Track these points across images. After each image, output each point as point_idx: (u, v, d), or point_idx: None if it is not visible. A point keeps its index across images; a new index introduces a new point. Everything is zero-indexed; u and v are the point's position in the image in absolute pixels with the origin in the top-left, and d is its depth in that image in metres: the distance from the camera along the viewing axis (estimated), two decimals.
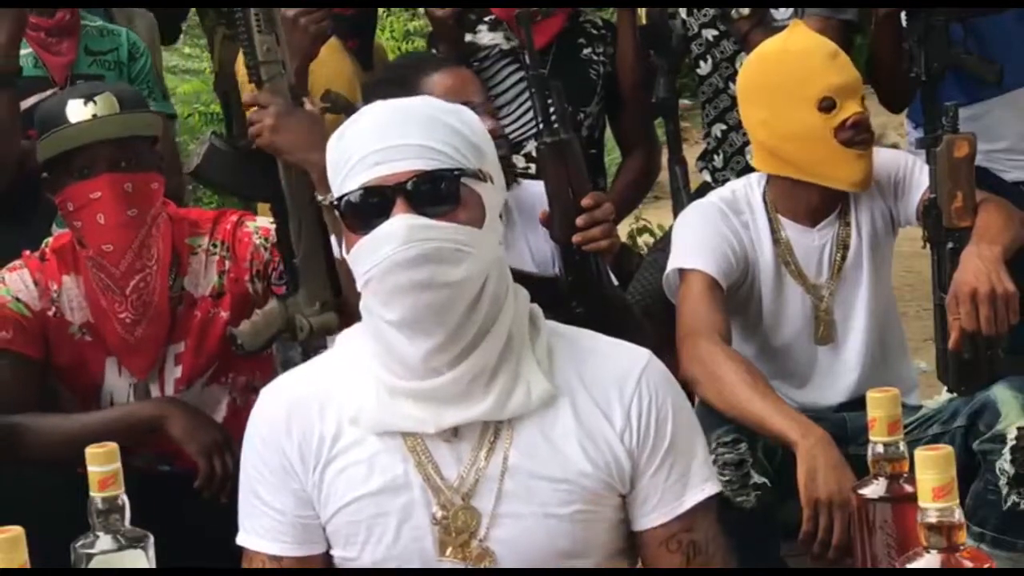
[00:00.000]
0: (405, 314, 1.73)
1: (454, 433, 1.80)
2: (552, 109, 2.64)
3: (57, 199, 2.70)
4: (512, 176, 2.77)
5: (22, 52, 3.20)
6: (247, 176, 2.59)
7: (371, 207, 1.75)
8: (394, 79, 2.65)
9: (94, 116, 2.63)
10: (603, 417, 1.83)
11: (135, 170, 2.65)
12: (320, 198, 2.46)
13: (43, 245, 2.80)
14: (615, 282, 2.75)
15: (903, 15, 3.10)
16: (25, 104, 3.22)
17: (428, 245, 1.72)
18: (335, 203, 1.80)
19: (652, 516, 1.85)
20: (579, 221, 2.58)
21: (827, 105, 2.75)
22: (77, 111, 2.64)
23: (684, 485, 1.85)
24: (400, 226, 1.73)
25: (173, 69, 7.66)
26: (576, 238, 2.58)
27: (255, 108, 2.56)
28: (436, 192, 1.75)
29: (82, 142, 2.62)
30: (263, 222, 2.74)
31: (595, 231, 2.58)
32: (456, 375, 1.76)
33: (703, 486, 1.87)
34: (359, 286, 1.79)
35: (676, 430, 1.85)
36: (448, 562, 1.81)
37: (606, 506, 1.84)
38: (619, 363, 1.86)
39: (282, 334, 2.60)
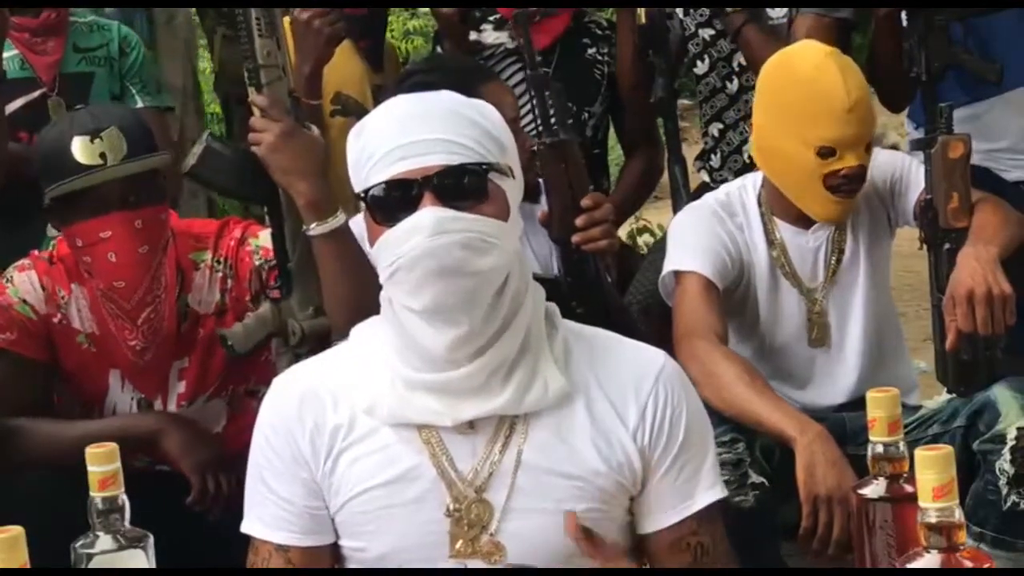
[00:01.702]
0: (433, 301, 1.74)
1: (470, 426, 1.81)
2: (552, 110, 2.63)
3: (64, 233, 2.66)
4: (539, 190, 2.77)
5: (7, 55, 3.16)
6: (243, 178, 2.58)
7: (398, 200, 1.76)
8: (448, 81, 2.62)
9: (102, 155, 2.55)
10: (617, 417, 1.83)
11: (144, 204, 2.60)
12: (305, 227, 2.47)
13: (50, 247, 2.77)
14: (610, 281, 2.75)
15: (903, 14, 3.11)
16: (12, 107, 3.19)
17: (457, 236, 1.73)
18: (360, 195, 1.80)
19: (661, 517, 1.86)
20: (579, 221, 2.58)
21: (826, 152, 2.73)
22: (84, 150, 2.55)
23: (694, 487, 1.86)
24: (429, 217, 1.73)
25: None
26: (576, 238, 2.58)
27: (259, 114, 2.55)
28: (463, 186, 1.76)
29: (92, 184, 2.55)
30: (265, 241, 2.71)
31: (595, 231, 2.58)
32: (475, 368, 1.77)
33: (711, 490, 1.88)
34: (383, 278, 1.80)
35: (689, 432, 1.85)
36: (454, 562, 1.81)
37: (617, 506, 1.85)
38: (636, 363, 1.87)
39: (274, 338, 2.59)
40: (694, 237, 2.86)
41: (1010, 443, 2.58)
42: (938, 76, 2.97)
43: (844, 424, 2.72)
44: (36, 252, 2.77)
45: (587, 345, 1.88)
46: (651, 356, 1.89)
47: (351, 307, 2.30)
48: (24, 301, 2.67)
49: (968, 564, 1.42)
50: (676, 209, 3.33)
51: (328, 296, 2.46)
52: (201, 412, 2.74)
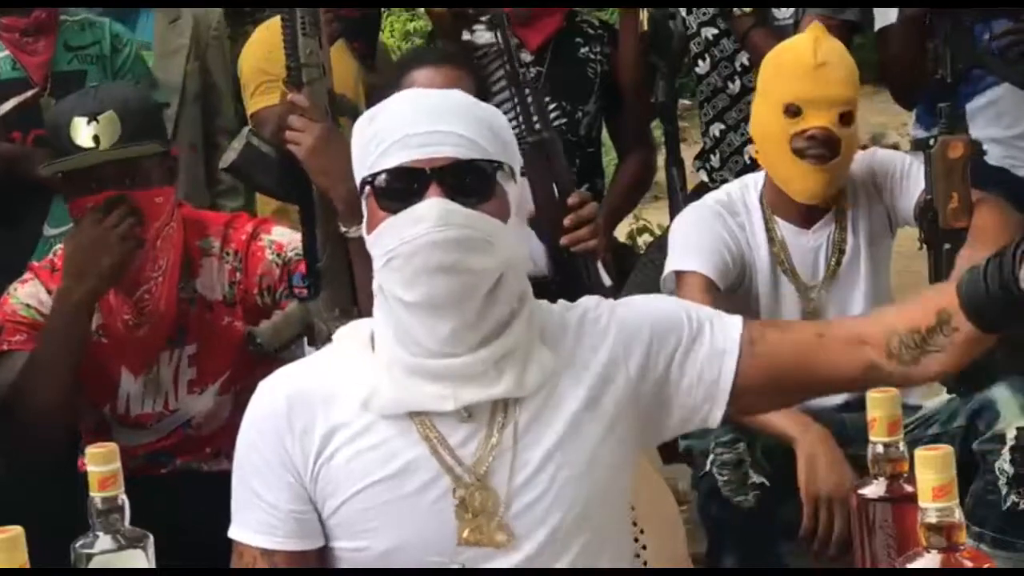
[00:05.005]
0: (424, 295, 1.74)
1: (468, 414, 1.80)
2: (533, 108, 2.63)
3: (67, 207, 2.70)
4: None
5: None
6: (281, 177, 2.59)
7: (405, 187, 1.76)
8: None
9: (95, 138, 2.58)
10: (599, 376, 1.83)
11: (140, 187, 2.62)
12: (344, 229, 2.47)
13: (51, 254, 2.78)
14: (607, 282, 2.74)
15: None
16: (5, 107, 3.19)
17: (460, 231, 1.73)
18: (367, 180, 1.80)
19: (730, 363, 1.82)
20: (566, 221, 2.57)
21: (792, 111, 2.74)
22: (79, 131, 2.59)
23: (722, 334, 1.83)
24: (435, 208, 1.73)
25: None
26: (564, 240, 2.58)
27: (295, 112, 2.54)
28: (470, 181, 1.76)
29: (82, 165, 2.59)
30: (279, 236, 2.73)
31: (582, 231, 2.58)
32: (472, 359, 1.77)
33: (733, 324, 1.85)
34: (378, 265, 1.79)
35: (653, 326, 1.84)
36: (464, 549, 1.79)
37: (618, 426, 1.83)
38: (585, 317, 1.86)
39: (300, 337, 2.59)
40: (695, 237, 2.86)
41: (1010, 443, 2.58)
42: (961, 76, 2.97)
43: (844, 425, 2.72)
44: (35, 263, 2.77)
45: (549, 317, 1.87)
46: (588, 304, 1.89)
47: None
48: (28, 305, 2.68)
49: (968, 564, 1.42)
50: (672, 210, 3.34)
51: (364, 297, 2.46)
52: (212, 405, 2.75)
